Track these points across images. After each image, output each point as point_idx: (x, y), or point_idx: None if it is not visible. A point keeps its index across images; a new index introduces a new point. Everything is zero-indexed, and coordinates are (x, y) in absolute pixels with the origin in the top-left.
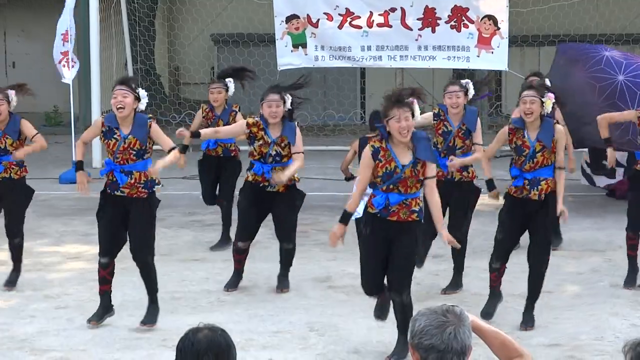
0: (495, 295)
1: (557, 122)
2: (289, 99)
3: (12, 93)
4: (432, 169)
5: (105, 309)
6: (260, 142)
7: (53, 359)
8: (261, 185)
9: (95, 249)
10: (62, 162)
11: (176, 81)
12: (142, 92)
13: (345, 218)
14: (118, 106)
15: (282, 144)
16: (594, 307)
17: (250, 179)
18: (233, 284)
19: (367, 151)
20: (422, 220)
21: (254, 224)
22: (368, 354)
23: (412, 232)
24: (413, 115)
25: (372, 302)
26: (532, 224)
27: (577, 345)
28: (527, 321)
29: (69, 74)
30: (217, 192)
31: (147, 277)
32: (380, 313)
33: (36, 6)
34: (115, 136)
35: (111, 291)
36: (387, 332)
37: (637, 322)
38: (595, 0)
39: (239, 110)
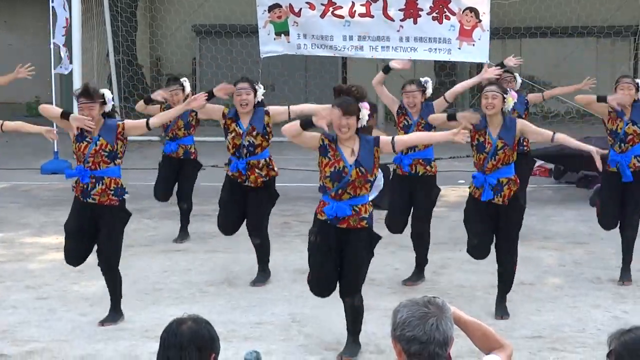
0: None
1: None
2: (260, 88)
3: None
4: (386, 141)
5: None
6: (233, 134)
7: (35, 350)
8: (238, 180)
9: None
10: (43, 153)
11: (158, 72)
12: (107, 95)
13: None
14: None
15: (254, 133)
16: (576, 299)
17: (229, 173)
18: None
19: (318, 138)
20: (372, 227)
21: (234, 218)
22: None
23: (363, 240)
24: (359, 118)
25: None
26: (497, 224)
27: (559, 337)
28: (501, 311)
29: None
30: (172, 191)
31: (112, 281)
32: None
33: None
34: (87, 139)
35: None
36: (369, 324)
37: (618, 314)
38: None
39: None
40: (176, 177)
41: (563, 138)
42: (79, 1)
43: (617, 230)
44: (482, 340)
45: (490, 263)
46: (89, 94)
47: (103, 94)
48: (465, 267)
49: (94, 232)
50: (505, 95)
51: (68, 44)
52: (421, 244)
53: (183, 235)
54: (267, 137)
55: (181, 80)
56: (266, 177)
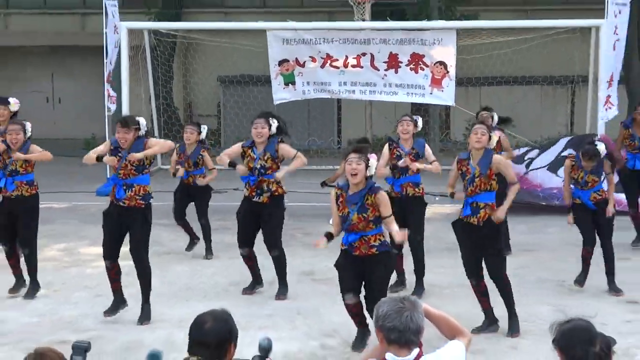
0: (491, 319)
1: (499, 152)
2: (274, 123)
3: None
4: (385, 209)
5: (118, 302)
6: (248, 158)
7: (92, 337)
8: (252, 198)
9: (124, 249)
10: (97, 179)
11: (190, 113)
12: (142, 122)
13: (329, 236)
14: (121, 141)
15: (265, 157)
16: (525, 297)
17: (246, 193)
18: (249, 287)
19: (333, 195)
20: (389, 251)
21: (249, 232)
22: (344, 332)
23: (380, 263)
24: (367, 167)
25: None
26: (481, 246)
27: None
28: (513, 328)
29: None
30: (185, 211)
31: (142, 273)
32: (359, 344)
33: (78, 52)
34: (118, 154)
35: (122, 287)
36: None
37: (562, 309)
38: (519, 48)
39: (207, 148)
40: (189, 199)
41: (513, 192)
42: (127, 57)
43: (579, 240)
44: (447, 329)
45: (456, 267)
46: (126, 123)
47: (138, 122)
48: (435, 270)
49: (123, 230)
50: (491, 135)
51: (117, 89)
52: (416, 253)
53: (208, 251)
54: (276, 161)
55: (202, 126)
56: (274, 193)
